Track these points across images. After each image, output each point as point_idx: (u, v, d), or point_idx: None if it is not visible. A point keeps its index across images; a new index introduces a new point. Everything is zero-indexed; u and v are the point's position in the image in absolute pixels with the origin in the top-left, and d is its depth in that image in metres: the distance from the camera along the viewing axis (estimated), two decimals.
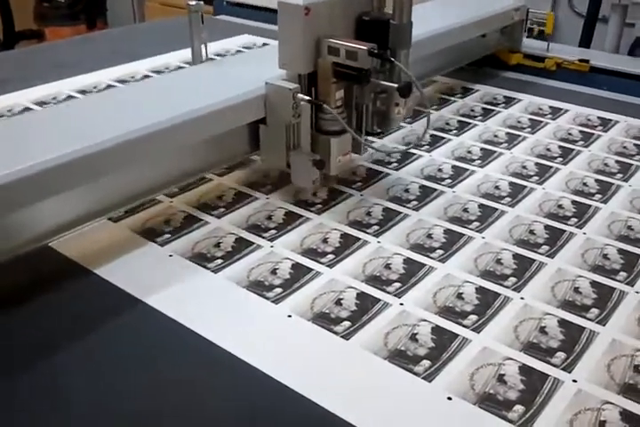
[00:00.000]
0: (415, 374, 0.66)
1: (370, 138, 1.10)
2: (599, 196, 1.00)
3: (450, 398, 0.63)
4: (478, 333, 0.72)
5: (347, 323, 0.73)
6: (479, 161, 1.09)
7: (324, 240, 0.87)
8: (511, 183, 1.03)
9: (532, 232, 0.90)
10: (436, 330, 0.72)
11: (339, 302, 0.76)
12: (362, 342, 0.70)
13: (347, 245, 0.86)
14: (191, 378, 0.66)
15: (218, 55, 1.50)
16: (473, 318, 0.74)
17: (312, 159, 0.92)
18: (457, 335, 0.71)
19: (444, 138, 1.17)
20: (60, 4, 3.15)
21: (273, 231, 0.89)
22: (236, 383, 0.65)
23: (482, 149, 1.14)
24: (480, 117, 1.26)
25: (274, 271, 0.81)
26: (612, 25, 1.82)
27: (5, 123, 0.91)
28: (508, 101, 1.34)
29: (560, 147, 1.15)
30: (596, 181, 1.04)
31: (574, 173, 1.07)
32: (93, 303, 0.75)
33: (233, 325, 0.73)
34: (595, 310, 0.76)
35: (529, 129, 1.22)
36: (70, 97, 1.29)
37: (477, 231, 0.90)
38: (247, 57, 1.26)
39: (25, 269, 0.79)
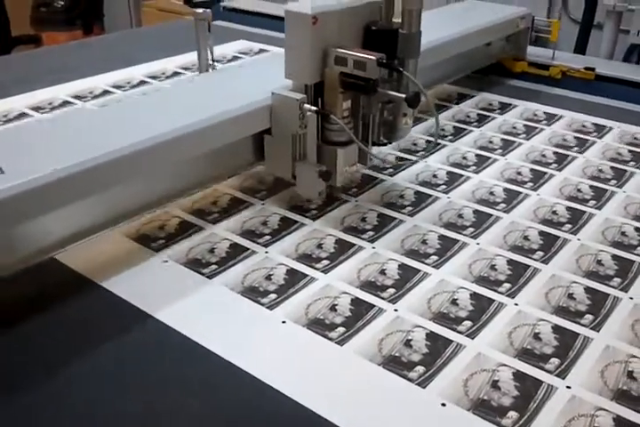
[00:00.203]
0: (409, 380, 0.66)
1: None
2: (593, 202, 1.00)
3: (444, 405, 0.63)
4: (472, 339, 0.72)
5: (341, 329, 0.73)
6: (474, 167, 1.10)
7: (319, 246, 0.87)
8: (506, 189, 1.03)
9: (526, 238, 0.90)
10: (431, 336, 0.72)
11: (333, 308, 0.76)
12: (356, 348, 0.70)
13: (341, 250, 0.86)
14: (182, 381, 0.66)
15: (215, 61, 1.50)
16: (467, 324, 0.74)
17: (318, 170, 0.91)
18: (451, 341, 0.71)
19: (438, 143, 1.17)
20: (56, 10, 3.15)
21: (268, 237, 0.89)
22: (230, 389, 0.65)
23: (477, 155, 1.14)
24: (475, 123, 1.27)
25: (268, 277, 0.81)
26: (607, 31, 1.83)
27: (6, 133, 0.91)
28: (504, 107, 1.35)
29: (555, 153, 1.16)
30: (591, 187, 1.05)
31: (569, 179, 1.07)
32: (87, 310, 0.75)
33: (227, 330, 0.72)
34: (589, 316, 0.76)
35: (524, 135, 1.22)
36: (66, 102, 1.29)
37: (472, 237, 0.90)
38: (253, 66, 1.25)
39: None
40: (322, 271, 0.82)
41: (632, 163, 1.13)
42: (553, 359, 0.69)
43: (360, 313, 0.75)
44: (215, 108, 0.90)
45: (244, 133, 0.93)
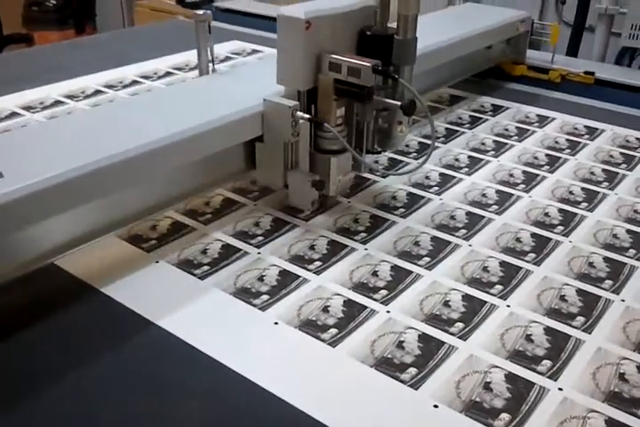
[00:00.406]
0: (401, 381, 0.66)
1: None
2: (585, 204, 1.00)
3: (436, 406, 0.63)
4: (465, 340, 0.72)
5: (333, 330, 0.72)
6: (466, 169, 1.10)
7: (312, 247, 0.87)
8: (498, 191, 1.03)
9: (518, 240, 0.90)
10: (423, 338, 0.72)
11: (325, 310, 0.76)
12: (348, 350, 0.70)
13: (334, 252, 0.86)
14: (174, 382, 0.66)
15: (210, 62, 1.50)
16: (459, 325, 0.74)
17: (311, 180, 0.90)
18: (443, 343, 0.71)
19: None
20: (48, 9, 3.14)
21: (260, 238, 0.88)
22: (221, 390, 0.65)
23: (469, 156, 1.14)
24: (467, 125, 1.27)
25: (261, 278, 0.81)
26: (599, 34, 1.84)
27: (3, 137, 0.90)
28: (496, 109, 1.35)
29: (547, 155, 1.16)
30: (583, 189, 1.05)
31: (561, 181, 1.07)
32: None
33: (219, 331, 0.72)
34: (580, 318, 0.76)
35: (516, 137, 1.23)
36: (58, 102, 1.28)
37: (464, 239, 0.90)
38: (249, 70, 1.22)
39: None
40: (314, 273, 0.82)
41: (624, 165, 1.13)
42: (545, 361, 0.69)
43: (352, 315, 0.75)
44: (205, 115, 0.87)
45: (234, 141, 0.91)
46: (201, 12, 0.98)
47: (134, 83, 1.39)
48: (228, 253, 0.85)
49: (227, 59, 1.56)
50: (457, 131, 1.24)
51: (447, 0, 1.72)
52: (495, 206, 0.99)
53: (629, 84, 1.43)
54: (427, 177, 1.06)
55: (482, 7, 1.66)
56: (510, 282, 0.81)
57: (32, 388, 0.65)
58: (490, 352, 0.70)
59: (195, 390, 0.65)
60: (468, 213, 0.96)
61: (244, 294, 0.78)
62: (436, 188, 1.03)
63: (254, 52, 1.62)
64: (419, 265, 0.84)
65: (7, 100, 1.28)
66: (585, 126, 1.28)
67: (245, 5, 1.95)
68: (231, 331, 0.73)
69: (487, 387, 0.66)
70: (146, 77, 1.42)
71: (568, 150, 1.18)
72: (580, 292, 0.80)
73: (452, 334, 0.73)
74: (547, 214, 0.97)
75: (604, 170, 1.11)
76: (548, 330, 0.74)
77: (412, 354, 0.70)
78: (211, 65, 1.04)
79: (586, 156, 1.16)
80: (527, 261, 0.86)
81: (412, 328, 0.73)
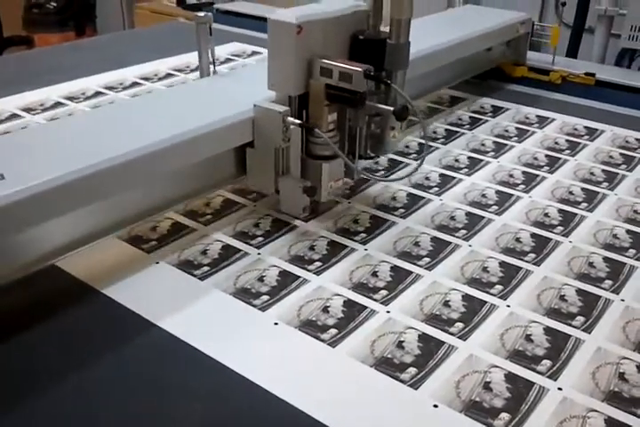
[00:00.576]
0: (401, 381, 0.66)
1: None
2: (585, 204, 1.00)
3: (436, 406, 0.63)
4: (464, 340, 0.72)
5: (333, 330, 0.72)
6: (466, 169, 1.10)
7: (311, 248, 0.87)
8: (498, 192, 1.03)
9: (518, 240, 0.90)
10: (423, 338, 0.72)
11: (325, 310, 0.76)
12: (348, 350, 0.70)
13: (334, 252, 0.86)
14: (174, 383, 0.66)
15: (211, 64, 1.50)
16: (459, 325, 0.74)
17: (302, 186, 0.89)
18: (443, 343, 0.71)
19: (431, 146, 1.17)
20: (49, 11, 3.14)
21: (260, 238, 0.89)
22: (221, 390, 0.65)
23: (469, 157, 1.14)
24: (467, 126, 1.27)
25: (261, 279, 0.81)
26: (599, 35, 1.84)
27: (5, 139, 0.89)
28: (496, 111, 1.35)
29: (547, 156, 1.16)
30: (583, 189, 1.05)
31: (561, 181, 1.07)
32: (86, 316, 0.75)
33: (219, 332, 0.72)
34: (580, 318, 0.76)
35: (516, 138, 1.23)
36: (58, 103, 1.28)
37: (464, 239, 0.90)
38: (249, 71, 1.21)
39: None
40: (314, 273, 0.82)
41: (623, 166, 1.13)
42: (545, 361, 0.69)
43: (352, 315, 0.75)
44: (195, 120, 0.86)
45: (224, 147, 0.90)
46: (202, 14, 0.98)
47: (134, 84, 1.39)
48: (228, 254, 0.85)
49: (227, 60, 1.56)
50: (457, 132, 1.24)
51: (447, 2, 1.73)
52: (495, 207, 0.99)
53: (629, 85, 1.43)
54: (427, 178, 1.07)
55: (481, 9, 1.66)
56: (510, 282, 0.82)
57: (33, 389, 0.65)
58: (490, 352, 0.70)
59: (195, 390, 0.65)
60: (468, 214, 0.96)
61: (244, 294, 0.78)
62: (436, 188, 1.03)
63: (254, 53, 1.62)
64: (419, 265, 0.84)
65: (7, 102, 1.28)
66: (585, 127, 1.29)
67: (245, 7, 1.96)
68: (231, 331, 0.73)
69: (487, 387, 0.66)
70: (146, 79, 1.42)
71: (568, 151, 1.18)
72: (579, 292, 0.80)
73: (452, 333, 0.73)
74: (546, 215, 0.97)
75: (603, 170, 1.11)
76: (548, 330, 0.74)
77: (412, 354, 0.70)
78: (212, 67, 1.04)
79: (585, 156, 1.17)
80: (527, 262, 0.86)
81: (412, 328, 0.73)
